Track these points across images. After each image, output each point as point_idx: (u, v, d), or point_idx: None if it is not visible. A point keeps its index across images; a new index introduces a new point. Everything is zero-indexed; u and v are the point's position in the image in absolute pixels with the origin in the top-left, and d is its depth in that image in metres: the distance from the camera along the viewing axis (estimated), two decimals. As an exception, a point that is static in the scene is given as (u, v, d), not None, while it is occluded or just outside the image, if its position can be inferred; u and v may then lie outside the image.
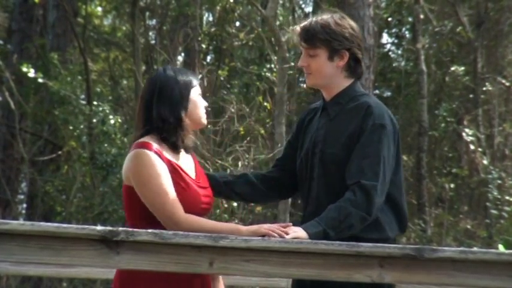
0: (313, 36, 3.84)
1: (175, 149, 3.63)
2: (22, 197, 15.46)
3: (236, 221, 11.29)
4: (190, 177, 3.66)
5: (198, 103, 3.68)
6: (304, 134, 3.99)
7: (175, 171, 3.60)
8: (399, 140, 3.86)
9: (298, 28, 3.91)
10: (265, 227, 3.48)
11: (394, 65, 16.04)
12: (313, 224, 3.57)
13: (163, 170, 3.54)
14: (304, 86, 13.98)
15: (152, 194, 3.51)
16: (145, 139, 3.59)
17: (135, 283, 3.53)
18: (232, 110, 12.68)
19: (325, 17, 3.88)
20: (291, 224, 3.58)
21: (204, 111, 3.72)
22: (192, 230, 3.37)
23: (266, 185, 4.02)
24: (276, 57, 12.30)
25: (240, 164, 12.25)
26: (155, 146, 3.57)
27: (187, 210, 3.55)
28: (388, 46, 16.59)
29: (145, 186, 3.51)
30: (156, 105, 3.59)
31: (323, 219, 3.58)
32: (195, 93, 3.68)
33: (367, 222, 3.66)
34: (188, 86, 3.65)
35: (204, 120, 3.73)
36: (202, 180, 3.73)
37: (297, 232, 3.48)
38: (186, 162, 3.70)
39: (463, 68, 14.92)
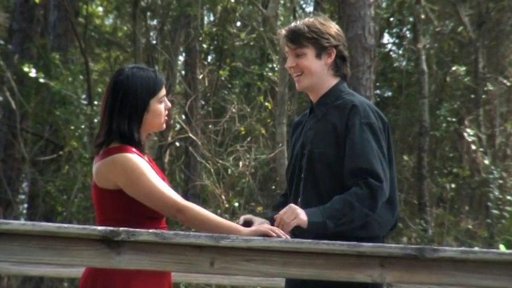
0: (299, 36, 3.85)
1: (140, 152, 3.65)
2: (23, 197, 15.44)
3: (237, 221, 11.27)
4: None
5: (157, 112, 3.66)
6: (295, 139, 4.01)
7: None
8: (389, 135, 3.86)
9: (283, 31, 3.92)
10: (265, 227, 3.47)
11: (395, 65, 16.03)
12: (316, 213, 3.59)
13: (149, 167, 3.58)
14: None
15: (147, 190, 3.52)
16: (117, 144, 3.60)
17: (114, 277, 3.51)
18: (233, 110, 12.67)
19: (310, 19, 3.92)
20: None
21: (164, 117, 3.71)
22: (197, 218, 3.48)
23: None
24: (277, 57, 12.30)
25: (241, 164, 12.25)
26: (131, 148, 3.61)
27: None
28: (389, 46, 16.59)
29: (138, 185, 3.53)
30: (116, 118, 3.60)
31: (326, 209, 3.60)
32: (156, 102, 3.65)
33: (367, 219, 3.67)
34: (149, 96, 3.63)
35: (163, 126, 3.73)
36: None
37: (300, 215, 3.54)
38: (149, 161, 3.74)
39: (464, 68, 14.90)
